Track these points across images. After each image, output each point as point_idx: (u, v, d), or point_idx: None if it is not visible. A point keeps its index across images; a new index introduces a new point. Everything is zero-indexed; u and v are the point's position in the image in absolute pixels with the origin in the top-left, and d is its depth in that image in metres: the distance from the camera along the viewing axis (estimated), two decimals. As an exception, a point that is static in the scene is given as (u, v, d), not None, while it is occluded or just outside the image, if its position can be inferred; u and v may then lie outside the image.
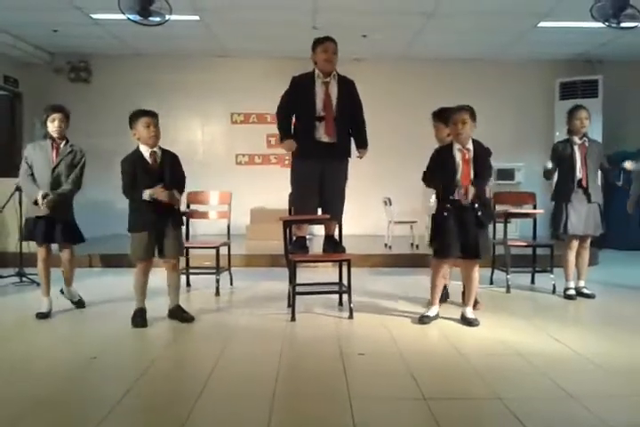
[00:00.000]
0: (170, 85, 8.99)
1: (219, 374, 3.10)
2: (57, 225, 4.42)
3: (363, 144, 4.90)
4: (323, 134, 4.69)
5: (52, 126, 4.41)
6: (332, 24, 7.07)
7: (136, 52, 8.87)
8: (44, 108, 4.51)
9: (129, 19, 6.05)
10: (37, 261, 4.50)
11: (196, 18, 7.14)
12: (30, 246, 5.35)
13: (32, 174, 4.43)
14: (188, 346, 3.79)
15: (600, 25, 6.18)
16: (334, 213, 4.75)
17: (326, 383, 3.02)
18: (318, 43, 4.73)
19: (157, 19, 6.12)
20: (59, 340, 3.89)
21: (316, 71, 4.74)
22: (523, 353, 3.46)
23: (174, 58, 8.95)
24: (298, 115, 4.79)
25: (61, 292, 4.67)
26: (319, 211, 4.87)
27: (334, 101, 4.70)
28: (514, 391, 2.88)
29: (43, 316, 4.36)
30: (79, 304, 4.70)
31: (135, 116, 4.13)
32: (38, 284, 5.50)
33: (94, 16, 7.07)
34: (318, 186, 4.76)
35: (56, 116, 4.41)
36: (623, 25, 6.03)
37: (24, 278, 5.64)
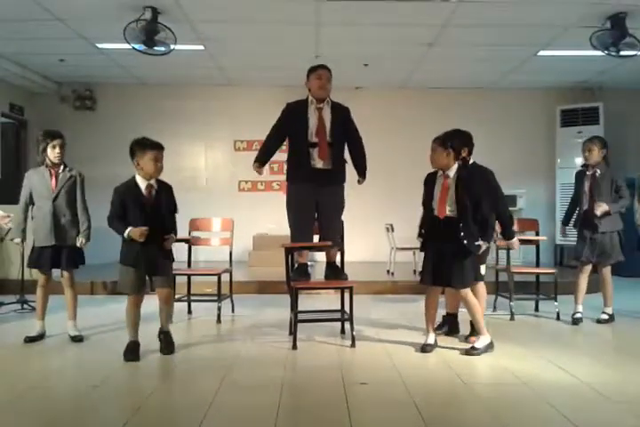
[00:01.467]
0: (174, 113, 9.08)
1: (219, 402, 3.06)
2: (63, 252, 4.43)
3: (363, 174, 4.91)
4: (317, 160, 4.69)
5: (54, 153, 4.38)
6: (335, 54, 7.18)
7: (141, 80, 8.99)
8: (42, 134, 4.45)
9: (134, 48, 6.16)
10: (37, 287, 4.50)
11: (201, 47, 7.24)
12: (33, 274, 5.36)
13: (29, 203, 4.46)
14: (189, 374, 3.74)
15: (600, 53, 6.26)
16: (331, 239, 4.72)
17: (328, 413, 2.98)
18: (312, 70, 4.79)
19: (162, 48, 6.23)
20: (60, 368, 3.86)
21: (310, 98, 4.78)
22: (527, 382, 3.41)
23: (178, 86, 9.06)
24: (291, 141, 4.81)
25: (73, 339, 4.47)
26: (315, 237, 4.86)
27: (328, 127, 4.71)
28: (519, 422, 2.84)
29: (31, 339, 4.35)
30: (76, 339, 4.47)
31: (142, 148, 3.99)
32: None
33: (100, 46, 7.18)
34: (314, 212, 4.75)
35: (57, 142, 4.39)
36: (623, 53, 6.12)
37: (25, 306, 5.62)
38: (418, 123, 8.95)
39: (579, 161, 8.89)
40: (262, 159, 4.81)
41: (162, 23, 5.95)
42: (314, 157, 4.68)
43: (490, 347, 4.10)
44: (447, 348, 4.24)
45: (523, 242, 6.16)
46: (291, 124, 4.76)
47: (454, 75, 8.59)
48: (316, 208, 4.73)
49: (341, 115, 4.81)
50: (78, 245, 4.45)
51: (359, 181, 4.94)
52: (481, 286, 4.44)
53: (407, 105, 9.19)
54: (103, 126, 8.99)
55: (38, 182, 4.43)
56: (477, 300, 4.21)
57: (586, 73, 8.39)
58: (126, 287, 4.03)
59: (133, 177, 4.05)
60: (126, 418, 2.83)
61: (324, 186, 4.69)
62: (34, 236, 4.45)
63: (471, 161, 4.47)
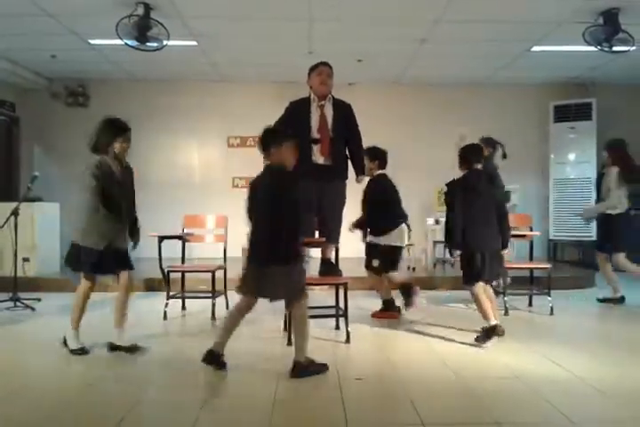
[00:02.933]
0: (167, 109, 9.04)
1: (214, 399, 3.06)
2: (121, 252, 4.06)
3: (362, 171, 4.96)
4: (319, 157, 4.71)
5: (123, 147, 4.01)
6: (328, 50, 7.16)
7: (133, 76, 8.94)
8: (112, 123, 4.11)
9: (127, 44, 6.12)
10: (80, 292, 4.01)
11: (194, 43, 7.21)
12: (26, 271, 5.33)
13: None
14: (184, 371, 3.74)
15: (593, 49, 6.27)
16: (332, 235, 4.73)
17: (323, 409, 2.98)
18: (313, 68, 4.83)
19: (155, 44, 6.20)
20: (54, 366, 3.84)
21: (312, 95, 4.80)
22: (522, 377, 3.42)
23: (172, 82, 9.02)
24: None
25: (65, 343, 4.02)
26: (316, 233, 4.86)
27: (330, 123, 4.73)
28: (513, 416, 2.85)
29: (84, 351, 3.96)
30: (133, 350, 4.02)
31: (280, 138, 3.65)
32: (33, 308, 5.48)
33: (92, 42, 7.14)
34: (316, 209, 4.75)
35: (129, 136, 4.05)
36: (615, 49, 6.13)
37: (18, 303, 5.58)
38: (412, 119, 8.95)
39: (572, 157, 8.97)
40: None
41: (154, 19, 5.92)
42: (315, 152, 4.71)
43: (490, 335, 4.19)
44: (443, 341, 4.25)
45: (516, 237, 6.20)
46: (294, 122, 4.78)
47: (448, 71, 8.58)
48: (318, 205, 4.74)
49: (343, 111, 4.85)
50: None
51: (358, 180, 4.97)
52: (393, 276, 5.21)
53: (401, 101, 9.17)
54: (96, 123, 8.92)
55: (108, 176, 3.94)
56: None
57: (579, 69, 8.41)
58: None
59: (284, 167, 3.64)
60: (122, 415, 2.82)
61: (327, 182, 4.71)
62: (97, 237, 3.91)
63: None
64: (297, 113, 4.79)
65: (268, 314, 5.25)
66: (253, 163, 9.42)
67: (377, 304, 5.92)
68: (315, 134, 4.70)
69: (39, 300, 5.74)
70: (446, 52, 7.62)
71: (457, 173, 4.48)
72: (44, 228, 6.94)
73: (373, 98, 9.01)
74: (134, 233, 4.15)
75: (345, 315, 4.40)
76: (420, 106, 9.12)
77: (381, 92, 9.15)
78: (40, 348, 4.24)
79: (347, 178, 4.89)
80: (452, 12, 6.05)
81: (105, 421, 2.79)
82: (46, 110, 8.92)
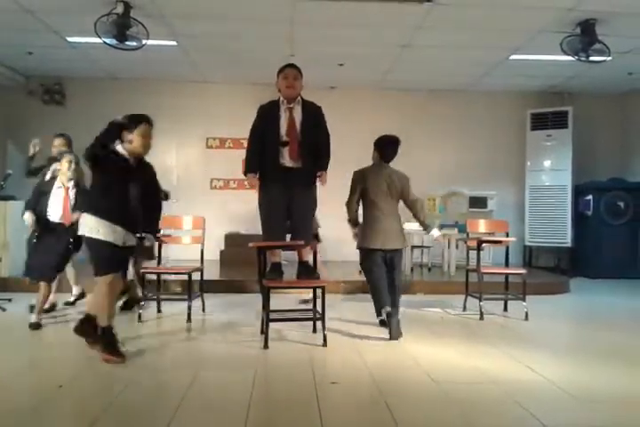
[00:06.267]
0: (145, 109, 8.78)
1: (189, 402, 3.02)
2: None
3: (321, 167, 4.77)
4: (287, 159, 4.66)
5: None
6: (309, 52, 7.17)
7: (112, 75, 8.85)
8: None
9: (105, 43, 6.06)
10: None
11: (174, 43, 7.16)
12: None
13: None
14: (158, 373, 3.70)
15: (570, 58, 6.37)
16: (303, 239, 4.69)
17: (299, 413, 2.97)
18: (280, 71, 4.79)
19: (134, 43, 6.14)
20: (24, 366, 3.77)
21: (281, 98, 4.77)
22: (497, 382, 3.44)
23: (150, 82, 8.94)
24: (264, 141, 4.76)
25: None
26: (288, 237, 4.81)
27: (298, 126, 4.68)
28: (488, 421, 2.86)
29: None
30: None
31: None
32: (4, 309, 5.39)
33: (70, 39, 7.05)
34: (285, 212, 4.70)
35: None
36: (592, 59, 6.23)
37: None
38: (390, 123, 8.96)
39: (548, 164, 9.09)
40: (255, 168, 4.73)
41: (134, 18, 5.86)
42: (284, 155, 4.65)
43: None
44: (414, 342, 4.26)
45: (492, 243, 6.26)
46: (264, 126, 4.74)
47: (428, 77, 8.64)
48: (288, 208, 4.70)
49: (313, 114, 4.79)
50: None
51: (320, 181, 4.82)
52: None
53: (380, 105, 9.20)
54: (73, 122, 8.79)
55: None
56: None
57: (556, 77, 8.53)
58: None
59: None
60: (94, 418, 2.78)
61: (296, 185, 4.65)
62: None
63: None
64: (267, 116, 4.75)
65: (244, 318, 5.23)
66: (232, 164, 9.39)
67: (356, 308, 5.95)
68: (284, 137, 4.67)
69: (10, 300, 5.64)
70: (426, 59, 7.68)
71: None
72: (17, 227, 6.80)
73: (354, 102, 9.04)
74: None
75: (322, 318, 4.39)
76: (400, 111, 9.16)
77: (362, 96, 9.18)
78: (9, 347, 4.17)
79: (316, 181, 4.82)
80: (432, 19, 6.10)
81: (79, 421, 2.74)
82: (21, 107, 8.77)
